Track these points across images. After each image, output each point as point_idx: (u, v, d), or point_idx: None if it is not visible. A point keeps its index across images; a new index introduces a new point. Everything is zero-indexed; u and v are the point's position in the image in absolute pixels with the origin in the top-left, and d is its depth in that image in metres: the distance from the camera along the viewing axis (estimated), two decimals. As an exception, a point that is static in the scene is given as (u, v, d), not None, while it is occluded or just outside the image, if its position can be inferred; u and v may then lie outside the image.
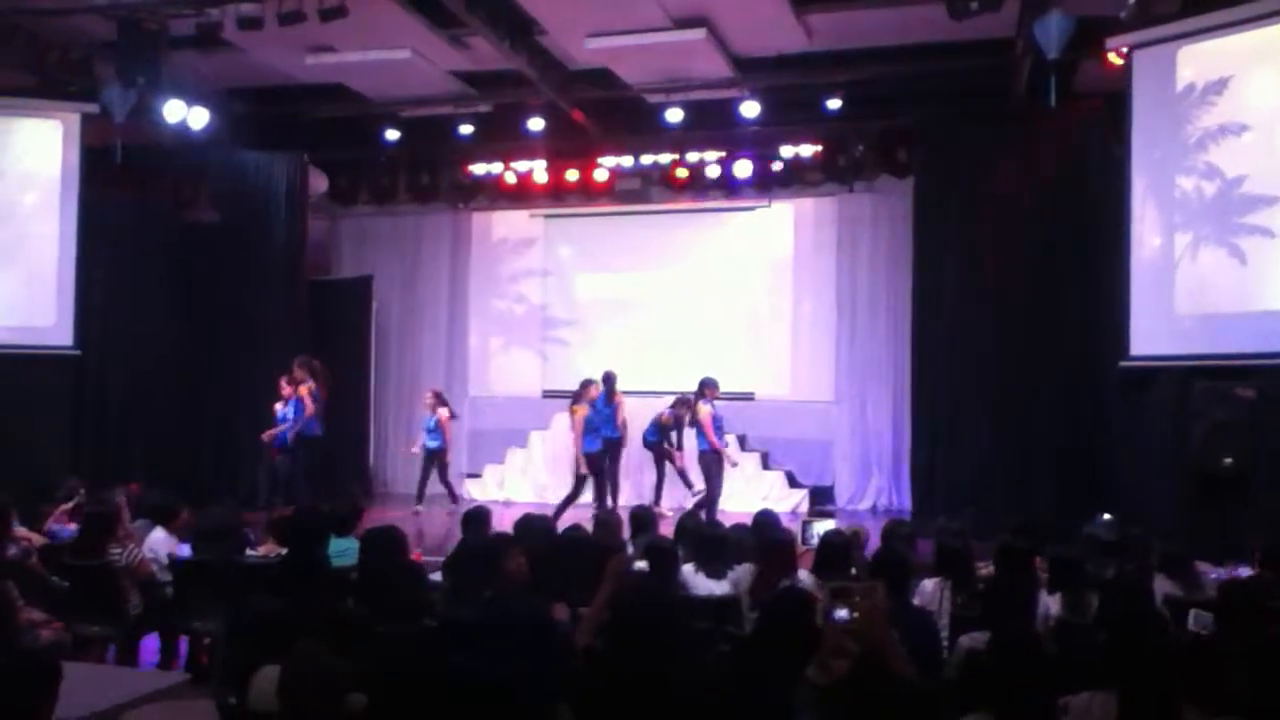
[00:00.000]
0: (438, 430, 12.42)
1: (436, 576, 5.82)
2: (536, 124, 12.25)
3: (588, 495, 11.81)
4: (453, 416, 12.72)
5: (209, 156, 12.80)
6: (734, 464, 11.51)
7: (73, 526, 7.24)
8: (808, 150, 12.67)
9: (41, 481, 8.84)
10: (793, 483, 13.07)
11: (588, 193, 13.66)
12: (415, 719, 3.09)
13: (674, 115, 11.65)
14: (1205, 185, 8.58)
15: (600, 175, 13.38)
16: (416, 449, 12.60)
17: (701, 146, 12.88)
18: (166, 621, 6.42)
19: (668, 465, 12.06)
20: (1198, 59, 8.70)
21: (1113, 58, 9.24)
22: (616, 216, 14.22)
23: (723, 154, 12.90)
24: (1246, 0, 8.31)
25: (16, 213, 10.89)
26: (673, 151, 13.02)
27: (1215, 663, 3.40)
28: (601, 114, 12.31)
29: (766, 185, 13.23)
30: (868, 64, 10.87)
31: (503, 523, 7.46)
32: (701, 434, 11.04)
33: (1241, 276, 8.36)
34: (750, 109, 11.57)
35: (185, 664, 6.40)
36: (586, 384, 11.56)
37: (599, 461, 11.20)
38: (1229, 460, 8.12)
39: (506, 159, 13.50)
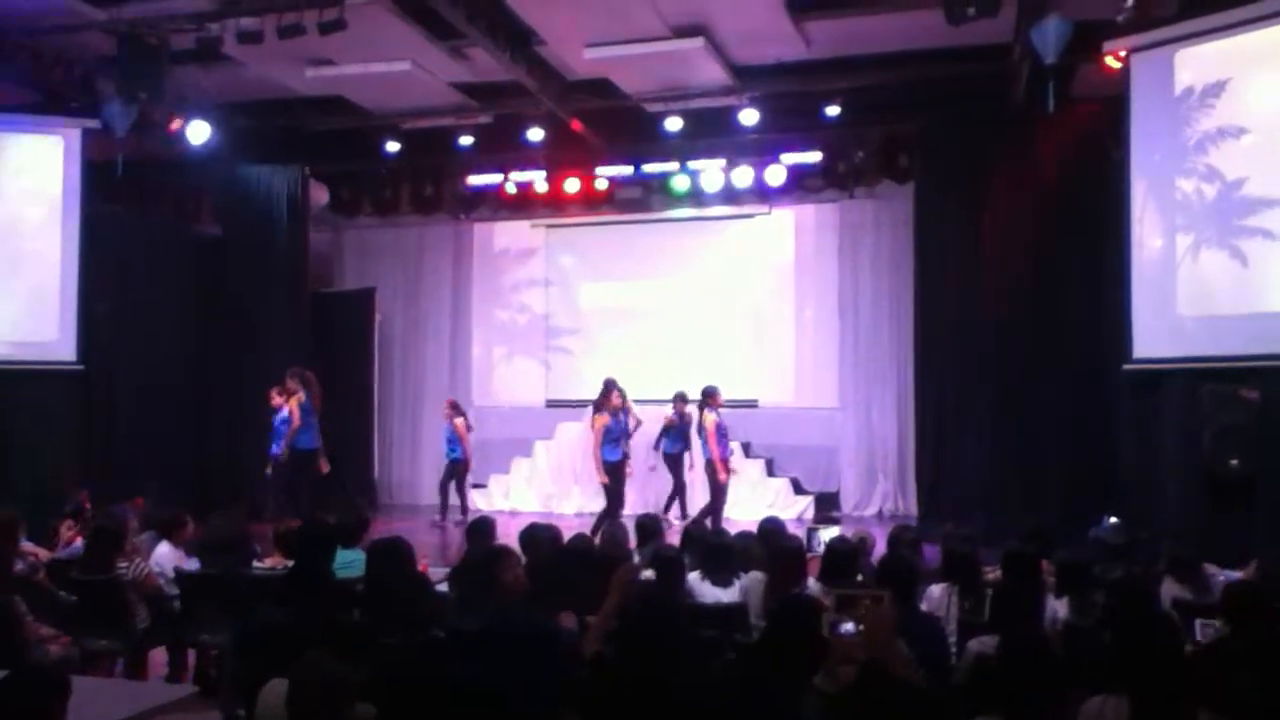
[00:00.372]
0: (456, 441, 12.41)
1: (444, 588, 5.83)
2: (537, 134, 12.26)
3: (591, 505, 11.81)
4: (468, 428, 12.70)
5: (210, 171, 12.84)
6: (733, 471, 11.35)
7: (79, 541, 7.25)
8: (808, 157, 12.68)
9: (49, 496, 8.85)
10: (798, 489, 13.08)
11: (589, 202, 13.67)
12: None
13: (673, 124, 11.68)
14: (1205, 187, 8.58)
15: (601, 185, 13.39)
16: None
17: (701, 155, 12.89)
18: (174, 635, 6.43)
19: (686, 475, 11.92)
20: (1196, 62, 8.71)
21: (1110, 62, 9.25)
22: (618, 225, 14.25)
23: (723, 162, 12.91)
24: (1243, 3, 8.32)
25: (19, 229, 10.91)
26: (673, 160, 13.03)
27: (1224, 665, 3.40)
28: (601, 123, 12.33)
29: (767, 192, 13.23)
30: (866, 71, 10.88)
31: (508, 532, 7.46)
32: (705, 443, 11.03)
33: (1243, 278, 8.35)
34: (749, 117, 11.57)
35: (193, 677, 6.41)
36: (606, 392, 11.29)
37: (620, 471, 11.15)
38: (1235, 462, 8.11)
39: (507, 169, 13.52)
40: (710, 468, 10.97)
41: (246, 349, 12.93)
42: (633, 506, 11.59)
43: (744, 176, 12.89)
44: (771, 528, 6.57)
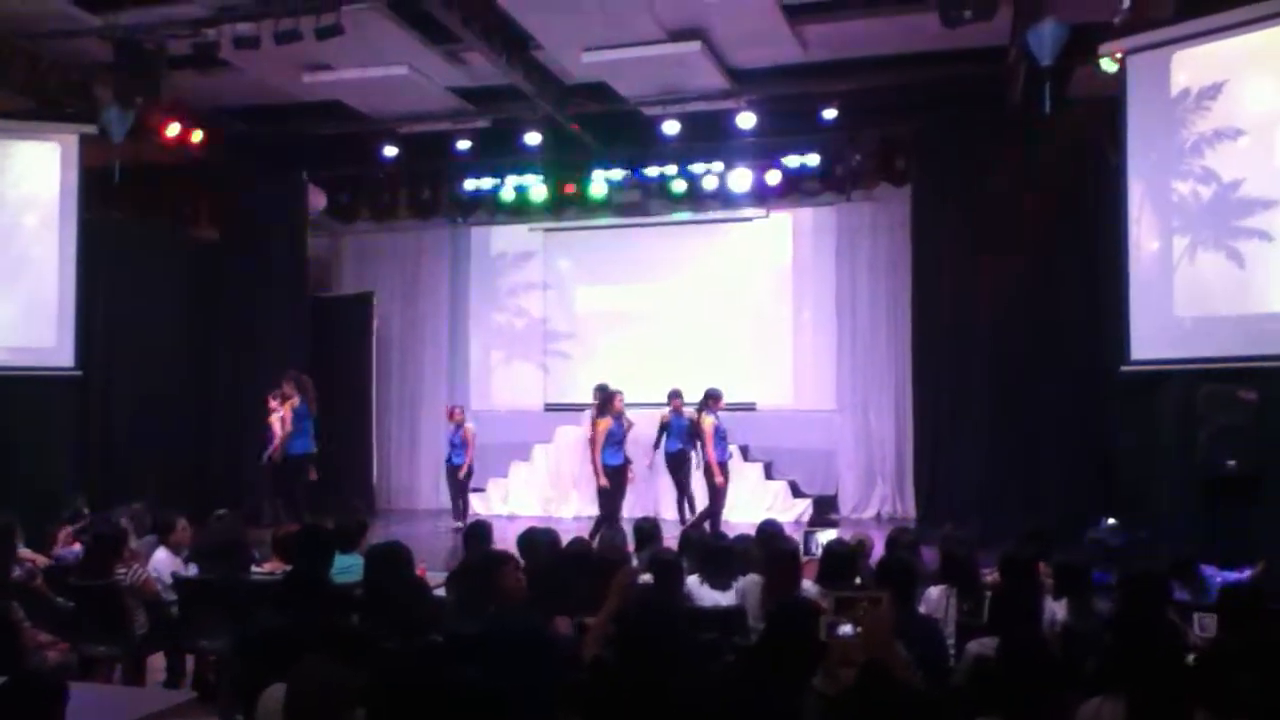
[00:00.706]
0: (463, 446, 12.39)
1: (442, 592, 5.82)
2: (534, 138, 12.27)
3: (590, 509, 11.77)
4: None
5: (208, 176, 12.84)
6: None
7: (77, 548, 7.25)
8: (805, 160, 12.68)
9: (47, 502, 8.84)
10: (796, 492, 13.07)
11: (586, 206, 13.67)
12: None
13: (671, 127, 11.69)
14: (1201, 189, 8.59)
15: (598, 188, 13.39)
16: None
17: (699, 158, 12.90)
18: (172, 640, 6.42)
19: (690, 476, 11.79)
20: (1192, 64, 8.72)
21: (1107, 64, 9.26)
22: (615, 229, 14.24)
23: (720, 165, 12.92)
24: (1239, 5, 8.33)
25: (16, 235, 10.90)
26: (670, 163, 13.03)
27: (1223, 666, 3.41)
28: (599, 127, 12.34)
29: (764, 196, 13.23)
30: (863, 74, 10.89)
31: (507, 537, 7.46)
32: (702, 445, 11.02)
33: (1239, 279, 8.36)
34: (747, 120, 11.60)
35: (191, 683, 6.40)
36: (610, 396, 11.23)
37: (620, 475, 11.14)
38: (1233, 463, 8.12)
39: (505, 174, 13.52)
40: (708, 471, 10.96)
41: (245, 354, 12.95)
42: (630, 510, 11.56)
43: (741, 180, 12.89)
44: (769, 530, 6.58)
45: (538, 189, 13.48)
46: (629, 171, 13.25)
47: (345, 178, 13.97)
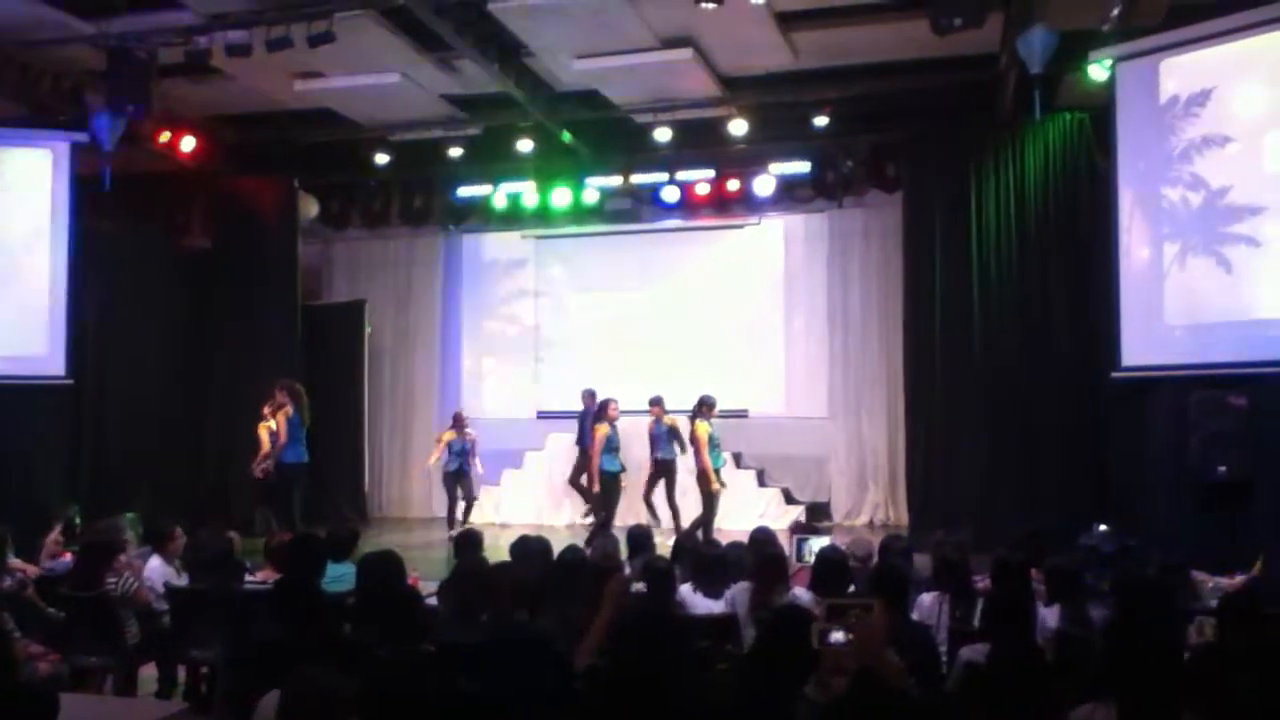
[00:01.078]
0: (469, 455, 12.32)
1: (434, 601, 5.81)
2: (526, 145, 12.28)
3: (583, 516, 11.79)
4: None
5: (200, 184, 12.82)
6: (722, 485, 11.12)
7: (68, 557, 7.22)
8: (797, 167, 12.71)
9: (39, 512, 8.80)
10: (789, 499, 13.08)
11: (578, 213, 13.67)
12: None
13: (662, 134, 11.70)
14: (1191, 196, 8.64)
15: (590, 195, 13.40)
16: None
17: (691, 165, 12.91)
18: (164, 650, 6.39)
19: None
20: (1180, 71, 8.77)
21: (1096, 71, 9.31)
22: (607, 236, 14.25)
23: (712, 172, 12.94)
24: (1227, 12, 8.38)
25: (7, 243, 10.87)
26: (662, 171, 13.05)
27: (1219, 669, 3.42)
28: (590, 134, 12.36)
29: (756, 203, 13.24)
30: (854, 81, 10.93)
31: (499, 545, 7.46)
32: (695, 453, 11.01)
33: (1229, 286, 8.41)
34: (738, 127, 11.63)
35: (183, 693, 6.37)
36: (605, 403, 11.41)
37: (616, 483, 11.13)
38: (1223, 469, 8.15)
39: (497, 181, 13.53)
40: (702, 478, 10.95)
41: (237, 362, 12.92)
42: (622, 518, 11.54)
43: (733, 187, 12.92)
44: (760, 537, 6.59)
45: (529, 196, 13.48)
46: (621, 179, 13.27)
47: (337, 185, 13.96)
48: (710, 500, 10.92)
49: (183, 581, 6.57)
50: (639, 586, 5.32)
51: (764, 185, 12.80)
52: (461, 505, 12.14)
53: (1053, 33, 8.29)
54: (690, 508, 11.38)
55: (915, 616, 5.21)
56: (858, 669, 3.37)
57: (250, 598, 6.15)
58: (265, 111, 11.87)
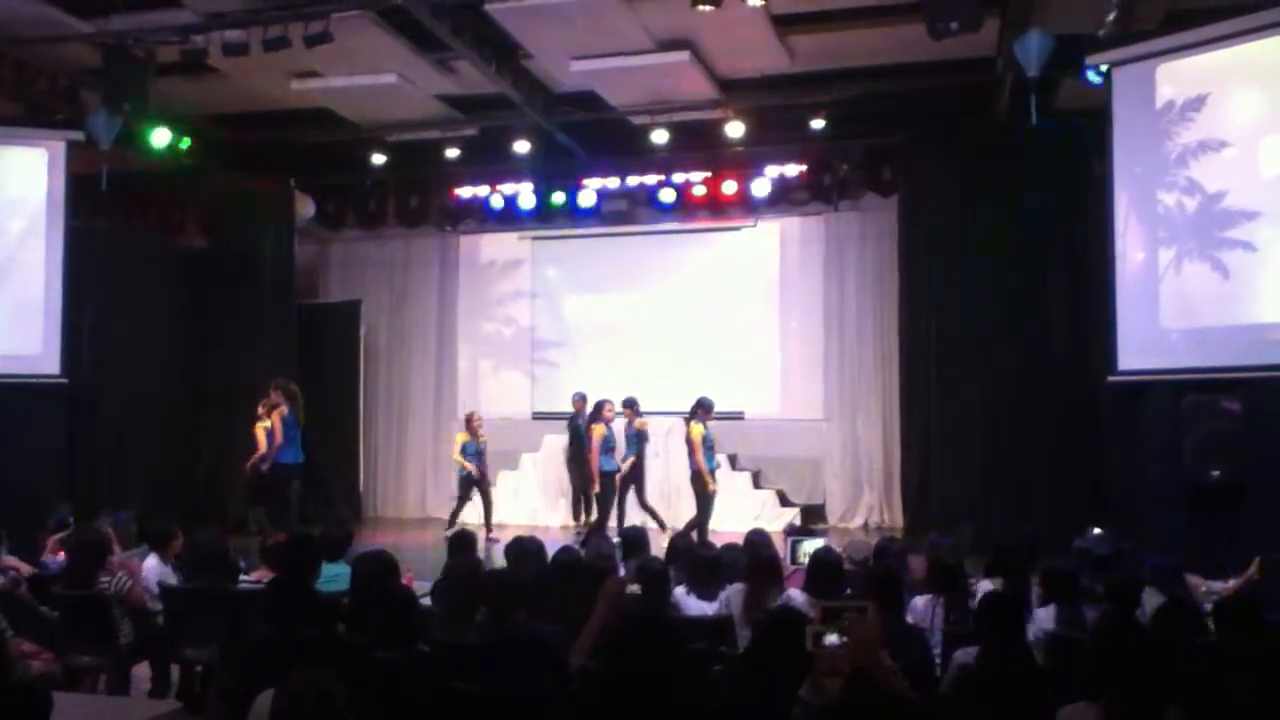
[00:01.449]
0: (482, 455, 12.31)
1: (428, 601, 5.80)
2: (523, 146, 12.29)
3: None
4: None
5: (196, 183, 12.81)
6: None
7: (62, 557, 7.20)
8: (793, 170, 12.74)
9: (33, 511, 8.79)
10: (784, 501, 13.08)
11: (575, 214, 13.69)
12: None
13: (659, 136, 11.72)
14: (1187, 200, 8.65)
15: (587, 197, 13.42)
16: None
17: (687, 167, 12.94)
18: (158, 650, 6.38)
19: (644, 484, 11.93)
20: (1177, 76, 8.78)
21: (1093, 75, 9.32)
22: (604, 238, 14.26)
23: (708, 174, 12.96)
24: (1224, 18, 8.40)
25: (2, 242, 10.85)
26: (659, 173, 13.06)
27: (1214, 671, 3.42)
28: (587, 136, 12.36)
29: (752, 205, 13.27)
30: (851, 84, 10.94)
31: (495, 545, 7.46)
32: (690, 454, 11.02)
33: (1225, 290, 8.42)
34: (735, 129, 11.64)
35: (177, 692, 6.36)
36: (601, 404, 11.59)
37: (613, 481, 11.19)
38: (1217, 473, 8.16)
39: (493, 182, 13.54)
40: (697, 480, 10.96)
41: (232, 362, 12.92)
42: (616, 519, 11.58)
43: (729, 189, 12.95)
44: (755, 539, 6.59)
45: (526, 197, 13.51)
46: (618, 180, 13.28)
47: (333, 185, 13.97)
48: (705, 502, 10.94)
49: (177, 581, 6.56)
50: (634, 588, 5.32)
51: (760, 188, 12.84)
52: (475, 507, 12.18)
53: (1049, 37, 8.29)
54: (685, 510, 11.42)
55: (909, 619, 5.22)
56: (852, 672, 3.38)
57: (244, 597, 6.14)
58: (262, 111, 11.87)
